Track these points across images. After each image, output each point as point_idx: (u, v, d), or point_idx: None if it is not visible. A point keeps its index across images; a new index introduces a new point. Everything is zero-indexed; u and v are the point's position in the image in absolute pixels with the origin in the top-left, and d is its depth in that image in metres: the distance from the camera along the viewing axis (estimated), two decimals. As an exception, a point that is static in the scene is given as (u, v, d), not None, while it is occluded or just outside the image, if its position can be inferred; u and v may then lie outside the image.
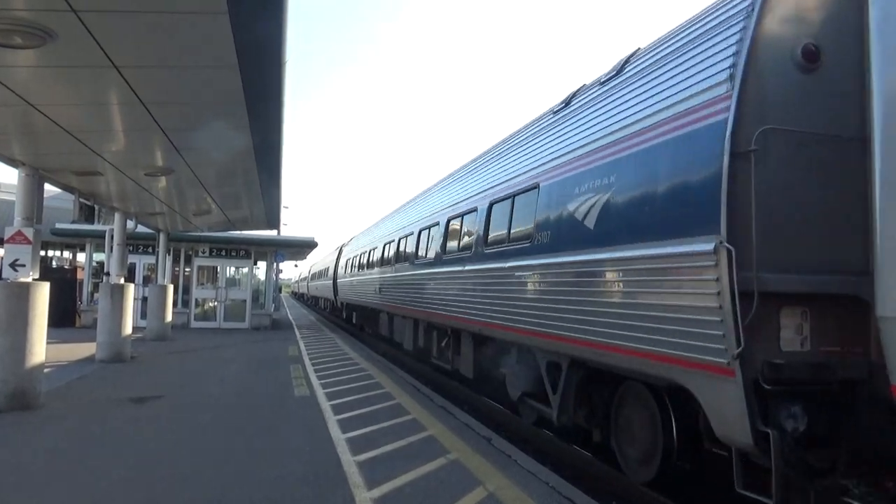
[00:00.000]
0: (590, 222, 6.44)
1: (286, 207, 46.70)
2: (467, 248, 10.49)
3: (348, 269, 26.18)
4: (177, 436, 7.33)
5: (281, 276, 47.21)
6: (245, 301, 24.47)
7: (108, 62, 5.53)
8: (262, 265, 26.23)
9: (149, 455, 6.47)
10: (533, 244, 7.74)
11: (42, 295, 8.76)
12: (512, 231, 8.64)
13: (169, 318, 19.03)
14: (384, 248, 18.12)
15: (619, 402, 6.71)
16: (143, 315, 20.29)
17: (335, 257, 32.72)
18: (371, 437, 7.35)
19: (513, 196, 8.77)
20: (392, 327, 17.55)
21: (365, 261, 21.58)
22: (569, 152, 7.26)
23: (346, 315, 29.04)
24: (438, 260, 12.03)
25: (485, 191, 10.14)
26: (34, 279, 8.85)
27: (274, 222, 19.15)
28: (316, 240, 27.47)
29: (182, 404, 9.21)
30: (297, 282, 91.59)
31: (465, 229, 10.89)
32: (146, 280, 23.07)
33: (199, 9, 4.71)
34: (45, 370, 9.27)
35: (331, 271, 34.13)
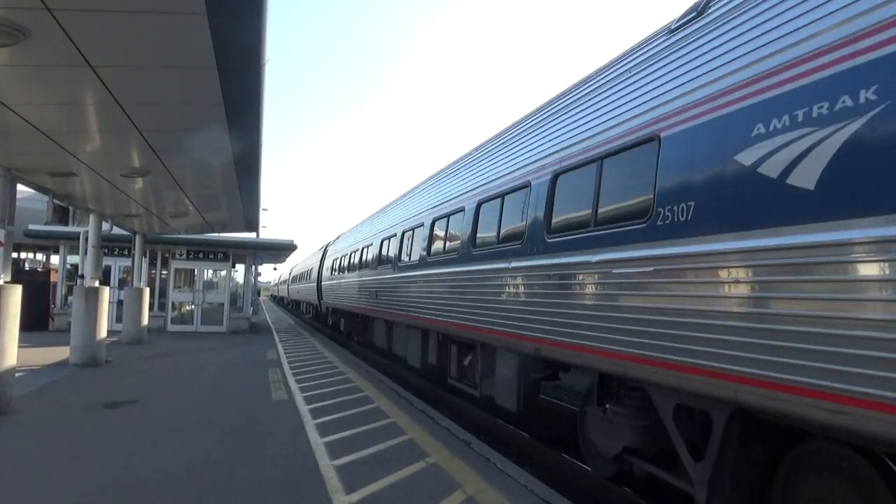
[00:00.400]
0: None
1: (265, 210, 46.04)
2: (515, 238, 7.59)
3: (335, 271, 23.54)
4: (151, 441, 7.22)
5: (260, 279, 46.65)
6: (223, 304, 24.22)
7: (83, 61, 5.45)
8: (240, 268, 26.00)
9: (122, 461, 6.36)
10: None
11: (14, 298, 8.59)
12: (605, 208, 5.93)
13: (145, 321, 18.76)
14: (382, 244, 15.56)
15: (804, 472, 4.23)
16: (119, 319, 20.01)
17: (319, 258, 29.75)
18: (350, 441, 7.31)
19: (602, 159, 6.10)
20: (391, 338, 15.11)
21: (356, 261, 19.00)
22: None
23: (332, 321, 26.20)
24: (464, 257, 9.29)
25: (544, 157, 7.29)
26: (6, 282, 8.67)
27: (252, 225, 18.98)
28: (295, 243, 27.23)
29: (157, 409, 9.08)
30: (276, 285, 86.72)
31: (513, 212, 7.87)
32: (122, 283, 22.75)
33: (176, 9, 4.66)
34: (17, 374, 9.09)
35: (314, 273, 31.18)
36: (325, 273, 26.48)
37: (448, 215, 10.36)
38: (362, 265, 17.77)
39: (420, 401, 10.45)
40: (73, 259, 23.28)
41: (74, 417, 8.37)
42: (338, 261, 23.00)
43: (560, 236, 6.51)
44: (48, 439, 7.23)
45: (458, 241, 9.66)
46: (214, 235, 23.01)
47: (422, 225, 11.86)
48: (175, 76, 6.18)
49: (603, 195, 5.91)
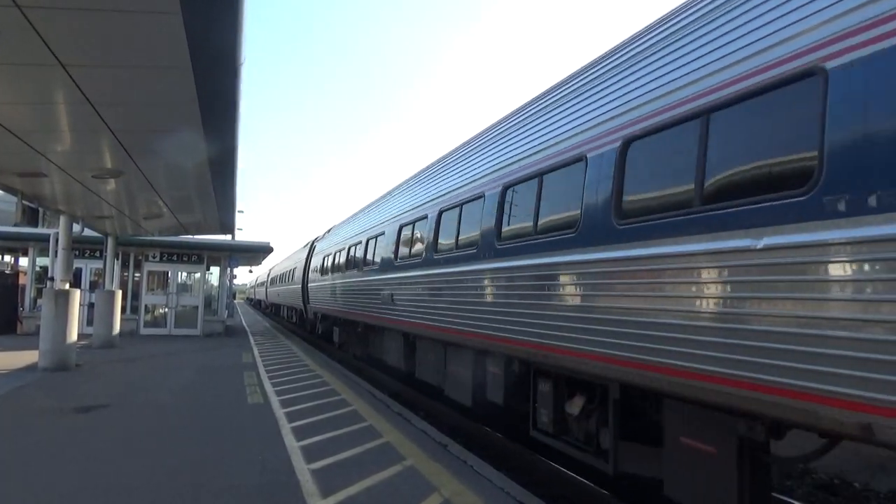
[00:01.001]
0: None
1: (241, 212, 45.07)
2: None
3: (326, 271, 19.57)
4: (123, 446, 7.10)
5: (235, 281, 45.52)
6: (197, 307, 23.91)
7: (53, 60, 5.37)
8: (214, 270, 25.69)
9: (93, 466, 6.25)
10: None
11: (-19, 301, 8.39)
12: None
13: (117, 324, 18.45)
14: (399, 233, 11.68)
15: None
16: (90, 322, 19.63)
17: (304, 256, 25.70)
18: (326, 444, 7.27)
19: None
20: (411, 357, 11.34)
21: (359, 256, 14.90)
22: None
23: (323, 330, 21.54)
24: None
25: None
26: (-28, 284, 8.48)
27: (228, 227, 18.79)
28: (272, 245, 27.04)
29: (129, 413, 8.94)
30: (253, 287, 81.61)
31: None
32: (93, 285, 22.35)
33: (150, 8, 4.61)
34: (-16, 379, 8.89)
35: (297, 273, 27.31)
36: (313, 274, 22.43)
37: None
38: (368, 262, 13.97)
39: (397, 403, 10.43)
40: (42, 261, 22.82)
41: (43, 422, 8.21)
42: (330, 258, 19.06)
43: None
44: (15, 444, 7.07)
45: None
46: (189, 237, 22.73)
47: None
48: (149, 76, 6.11)
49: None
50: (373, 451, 7.05)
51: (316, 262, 22.12)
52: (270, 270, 51.32)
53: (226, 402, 10.01)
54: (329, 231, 22.41)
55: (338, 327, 19.06)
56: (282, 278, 36.99)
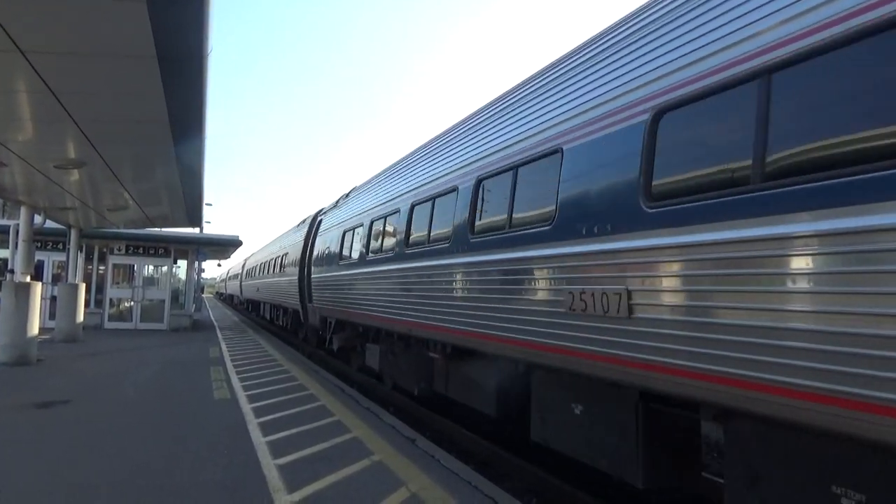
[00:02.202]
0: None
1: (209, 205, 44.18)
2: None
3: (350, 255, 12.88)
4: (85, 442, 6.96)
5: (204, 275, 44.46)
6: (164, 301, 23.51)
7: (12, 46, 5.21)
8: (182, 264, 25.28)
9: (53, 463, 6.12)
10: None
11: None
12: None
13: (80, 318, 18.06)
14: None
15: None
16: (52, 315, 19.19)
17: (304, 236, 18.68)
18: (293, 439, 7.22)
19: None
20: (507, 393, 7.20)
21: (419, 232, 9.18)
22: None
23: (341, 346, 14.08)
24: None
25: None
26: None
27: (195, 219, 18.50)
28: (241, 238, 26.64)
29: (92, 409, 8.76)
30: (223, 280, 74.20)
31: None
32: (56, 278, 21.83)
33: (113, -6, 4.51)
34: (-61, 374, 8.63)
35: (293, 260, 19.97)
36: (320, 261, 15.66)
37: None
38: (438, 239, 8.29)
39: (365, 398, 10.40)
40: (2, 253, 22.21)
41: (1, 418, 8.00)
42: (359, 236, 12.27)
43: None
44: (-28, 442, 6.89)
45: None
46: (155, 230, 22.34)
47: None
48: (113, 65, 5.97)
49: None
50: (340, 446, 7.03)
51: (326, 243, 15.06)
52: (247, 260, 42.22)
53: (191, 397, 9.88)
54: (348, 196, 14.62)
55: (379, 348, 11.32)
56: (264, 268, 28.59)
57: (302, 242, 18.75)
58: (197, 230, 24.29)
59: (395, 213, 10.22)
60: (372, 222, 11.49)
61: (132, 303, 23.14)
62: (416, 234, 9.28)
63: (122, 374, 11.98)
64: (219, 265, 55.65)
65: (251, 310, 39.97)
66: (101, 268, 23.27)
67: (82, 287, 18.47)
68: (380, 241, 10.96)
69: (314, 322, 16.48)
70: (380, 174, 12.64)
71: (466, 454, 8.02)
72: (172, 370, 12.82)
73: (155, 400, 9.59)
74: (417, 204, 9.29)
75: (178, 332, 22.39)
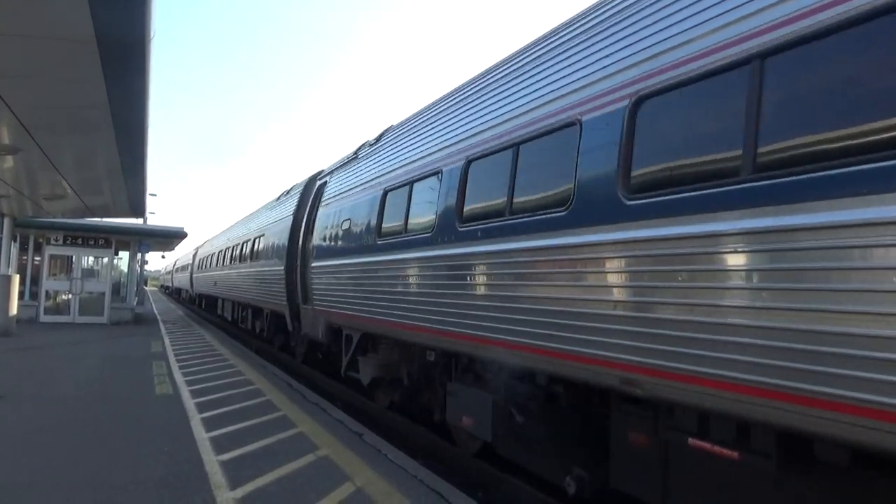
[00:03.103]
0: None
1: (153, 195, 42.38)
2: None
3: (396, 227, 8.16)
4: (18, 440, 6.70)
5: (147, 267, 42.90)
6: (104, 294, 22.73)
7: (-61, 25, 4.97)
8: (124, 255, 24.49)
9: (-18, 462, 5.87)
10: None
11: None
12: None
13: (14, 311, 17.30)
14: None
15: None
16: (-17, 308, 18.34)
17: (291, 211, 14.20)
18: (237, 435, 7.11)
19: None
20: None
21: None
22: None
23: (375, 377, 9.04)
24: None
25: None
26: None
27: (138, 210, 17.97)
28: (186, 230, 25.94)
29: (25, 405, 8.42)
30: (170, 272, 67.99)
31: None
32: (-13, 269, 20.88)
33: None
34: None
35: (269, 245, 15.76)
36: (329, 242, 10.77)
37: None
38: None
39: (313, 393, 10.31)
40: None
41: (-75, 416, 7.63)
42: (421, 198, 7.65)
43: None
44: None
45: None
46: (96, 220, 21.58)
47: None
48: (50, 47, 5.75)
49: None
50: (286, 441, 6.95)
51: (341, 216, 10.24)
52: (199, 248, 36.12)
53: (132, 393, 9.60)
54: (378, 142, 9.93)
55: (490, 399, 6.27)
56: (225, 257, 23.27)
57: (290, 221, 13.89)
58: (140, 221, 23.58)
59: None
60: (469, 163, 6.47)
61: (70, 295, 22.30)
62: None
63: (59, 370, 11.55)
64: (163, 257, 53.32)
65: (204, 306, 34.86)
66: (37, 258, 22.33)
67: (16, 278, 17.71)
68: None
69: (313, 332, 11.54)
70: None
71: (414, 449, 8.03)
72: (112, 365, 12.42)
73: (93, 396, 9.28)
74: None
75: (120, 326, 21.70)
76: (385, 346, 8.88)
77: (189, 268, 40.21)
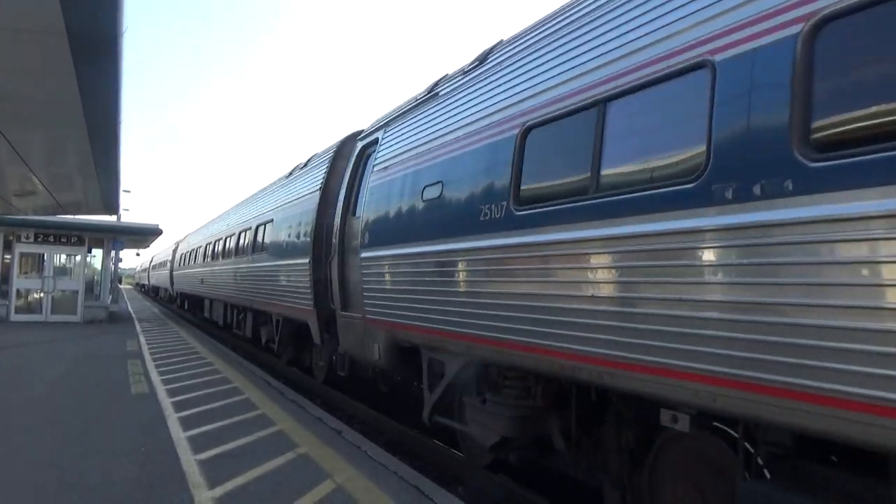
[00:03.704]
0: None
1: (127, 191, 41.64)
2: None
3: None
4: (-12, 441, 6.56)
5: (121, 265, 42.13)
6: (77, 292, 22.33)
7: None
8: (97, 253, 24.07)
9: (-49, 464, 5.74)
10: None
11: None
12: None
13: (-17, 310, 16.95)
14: None
15: None
16: (-49, 307, 17.93)
17: (317, 187, 10.97)
18: (215, 434, 7.03)
19: None
20: None
21: None
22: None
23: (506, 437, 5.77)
24: None
25: None
26: None
27: (112, 207, 17.68)
28: (161, 227, 25.55)
29: (-4, 406, 8.26)
30: (146, 270, 64.49)
31: None
32: (-46, 268, 20.41)
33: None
34: None
35: (282, 235, 12.60)
36: (398, 222, 7.33)
37: None
38: None
39: (292, 391, 10.24)
40: None
41: None
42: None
43: None
44: None
45: None
46: (68, 218, 21.17)
47: None
48: (17, 40, 5.61)
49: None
50: (265, 439, 6.89)
51: (410, 182, 7.23)
52: (180, 243, 33.01)
53: (106, 392, 9.45)
54: (497, 59, 6.28)
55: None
56: (216, 251, 20.14)
57: (315, 199, 10.79)
58: (113, 218, 23.21)
59: None
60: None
61: (42, 294, 21.88)
62: None
63: (31, 369, 11.33)
64: (137, 255, 52.17)
65: (187, 307, 30.98)
66: (7, 256, 21.86)
67: (-15, 277, 17.32)
68: None
69: (359, 351, 8.38)
70: None
71: (394, 445, 8.02)
72: (86, 364, 12.21)
73: (66, 396, 9.11)
74: None
75: (94, 325, 21.35)
76: (516, 385, 5.59)
77: (168, 264, 35.99)
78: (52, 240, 21.87)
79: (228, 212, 21.15)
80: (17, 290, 21.70)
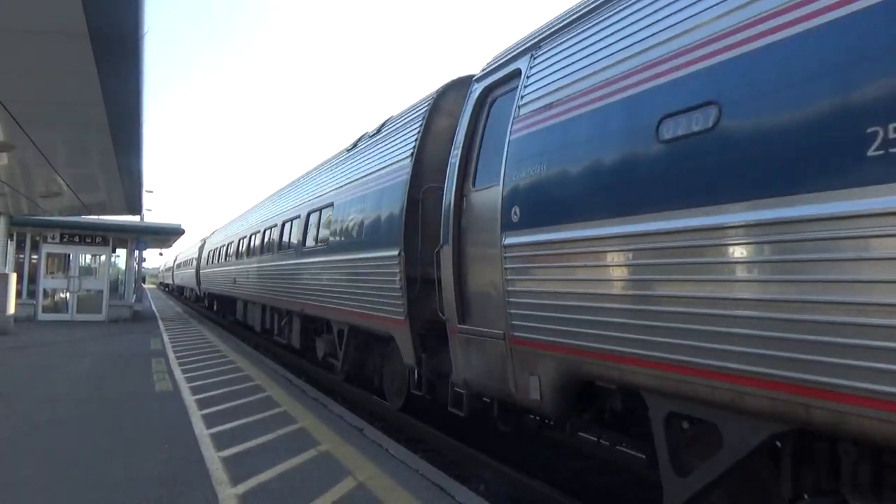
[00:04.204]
0: None
1: (149, 192, 42.00)
2: None
3: None
4: (16, 437, 6.66)
5: (145, 265, 42.57)
6: (101, 292, 22.67)
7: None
8: (121, 253, 24.42)
9: (-20, 461, 5.84)
10: None
11: None
12: None
13: (11, 310, 17.24)
14: None
15: None
16: (-20, 307, 18.27)
17: (408, 145, 8.41)
18: (238, 431, 7.07)
19: None
20: None
21: None
22: None
23: None
24: None
25: None
26: None
27: (135, 207, 17.89)
28: (183, 227, 25.83)
29: (23, 403, 8.38)
30: (170, 269, 62.56)
31: None
32: (-17, 268, 20.81)
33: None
34: None
35: (362, 216, 9.48)
36: (572, 174, 4.86)
37: None
38: None
39: (313, 389, 10.28)
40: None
41: (-77, 416, 7.59)
42: None
43: None
44: None
45: None
46: (92, 218, 21.49)
47: None
48: (43, 42, 5.68)
49: None
50: (287, 436, 6.92)
51: (629, 117, 4.38)
52: (207, 239, 30.29)
53: (131, 390, 9.57)
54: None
55: None
56: (249, 248, 18.44)
57: (404, 174, 8.29)
58: (137, 218, 23.51)
59: None
60: None
61: (68, 293, 22.25)
62: None
63: (57, 368, 11.51)
64: (160, 254, 52.59)
65: (216, 309, 28.22)
66: (34, 257, 22.26)
67: (13, 277, 17.62)
68: None
69: (491, 384, 6.04)
70: None
71: (415, 443, 8.02)
72: (111, 363, 12.38)
73: (92, 394, 9.24)
74: None
75: (118, 324, 21.66)
76: None
77: (194, 262, 33.12)
78: (77, 240, 22.25)
79: (264, 202, 19.09)
80: (44, 290, 22.09)
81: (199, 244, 32.62)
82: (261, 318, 16.94)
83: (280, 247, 14.39)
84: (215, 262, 25.44)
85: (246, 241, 18.90)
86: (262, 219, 17.42)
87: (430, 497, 5.13)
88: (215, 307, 28.37)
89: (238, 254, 20.15)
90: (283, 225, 14.33)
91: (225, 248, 23.37)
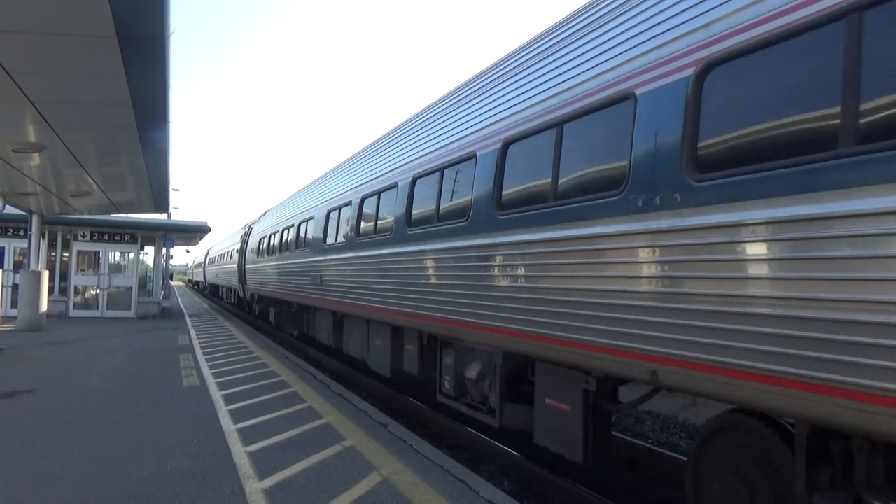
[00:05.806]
0: None
1: (176, 190, 42.57)
2: None
3: None
4: (49, 431, 6.81)
5: (172, 262, 43.16)
6: (131, 288, 23.08)
7: (-37, 24, 5.02)
8: (149, 250, 24.82)
9: (17, 453, 5.98)
10: None
11: None
12: None
13: (44, 306, 17.63)
14: None
15: None
16: (14, 304, 18.70)
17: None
18: (264, 426, 7.16)
19: None
20: None
21: None
22: None
23: None
24: None
25: None
26: None
27: (162, 205, 18.16)
28: (209, 224, 26.17)
29: (56, 398, 8.58)
30: (201, 265, 53.77)
31: None
32: (17, 266, 21.27)
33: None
34: None
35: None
36: None
37: None
38: None
39: (338, 384, 10.36)
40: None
41: (-39, 410, 7.80)
42: None
43: None
44: (-70, 434, 6.70)
45: None
46: (121, 216, 21.87)
47: None
48: (72, 45, 5.79)
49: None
50: (312, 432, 6.99)
51: None
52: (253, 225, 23.72)
53: (160, 385, 9.73)
54: None
55: None
56: (332, 232, 11.75)
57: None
58: (164, 216, 23.86)
59: None
60: None
61: (98, 290, 22.68)
62: None
63: (88, 363, 11.75)
64: (187, 251, 52.95)
65: (271, 318, 20.13)
66: (66, 255, 22.72)
67: (45, 274, 18.02)
68: None
69: None
70: None
71: (439, 438, 8.05)
72: (140, 358, 12.61)
73: (121, 388, 9.42)
74: None
75: (146, 320, 22.04)
76: None
77: (234, 255, 26.28)
78: (106, 238, 22.65)
79: (355, 156, 12.16)
80: (75, 287, 22.54)
81: (242, 231, 25.51)
82: (346, 339, 11.64)
83: (441, 217, 7.46)
84: (269, 252, 18.34)
85: (324, 222, 12.30)
86: (360, 182, 10.62)
87: (455, 492, 5.15)
88: (270, 316, 20.15)
89: (305, 244, 13.71)
90: (418, 186, 8.19)
91: (286, 231, 16.02)
